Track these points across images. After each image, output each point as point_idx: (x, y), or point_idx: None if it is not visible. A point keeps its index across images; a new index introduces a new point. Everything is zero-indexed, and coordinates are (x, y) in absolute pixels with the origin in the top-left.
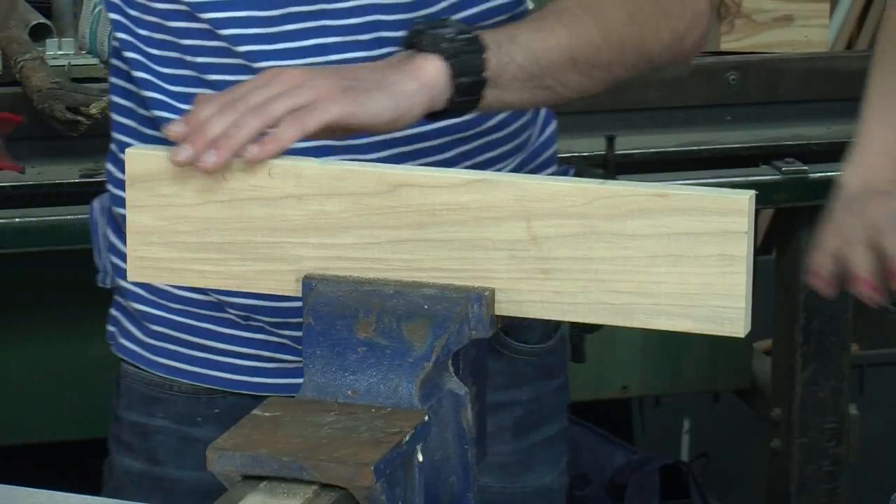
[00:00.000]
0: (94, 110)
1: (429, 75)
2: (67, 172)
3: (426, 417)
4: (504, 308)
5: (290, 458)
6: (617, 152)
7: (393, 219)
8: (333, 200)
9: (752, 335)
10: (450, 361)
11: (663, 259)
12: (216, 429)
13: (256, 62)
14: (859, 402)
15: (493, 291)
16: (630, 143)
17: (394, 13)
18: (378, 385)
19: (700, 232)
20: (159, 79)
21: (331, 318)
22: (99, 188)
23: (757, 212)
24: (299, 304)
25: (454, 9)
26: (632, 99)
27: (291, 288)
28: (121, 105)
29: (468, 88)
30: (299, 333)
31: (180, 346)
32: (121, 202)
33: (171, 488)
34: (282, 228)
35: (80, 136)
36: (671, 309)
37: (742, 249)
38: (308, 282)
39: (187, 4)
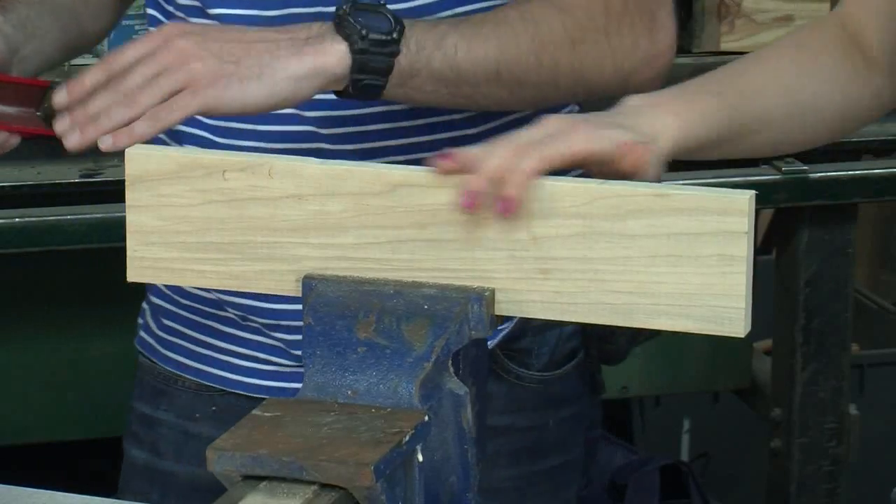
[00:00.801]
0: None
1: (328, 62)
2: (67, 172)
3: (426, 417)
4: (504, 308)
5: (290, 458)
6: None
7: (393, 219)
8: (333, 200)
9: (752, 335)
10: (450, 361)
11: (663, 259)
12: (213, 426)
13: None
14: (859, 402)
15: (493, 291)
16: None
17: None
18: (378, 385)
19: (700, 232)
20: None
21: (331, 318)
22: (99, 188)
23: (757, 212)
24: (292, 306)
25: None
26: None
27: (291, 288)
28: None
29: (364, 87)
30: (292, 337)
31: (187, 341)
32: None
33: (169, 481)
34: (282, 228)
35: None
36: (671, 309)
37: (742, 249)
38: (308, 282)
39: (199, 0)
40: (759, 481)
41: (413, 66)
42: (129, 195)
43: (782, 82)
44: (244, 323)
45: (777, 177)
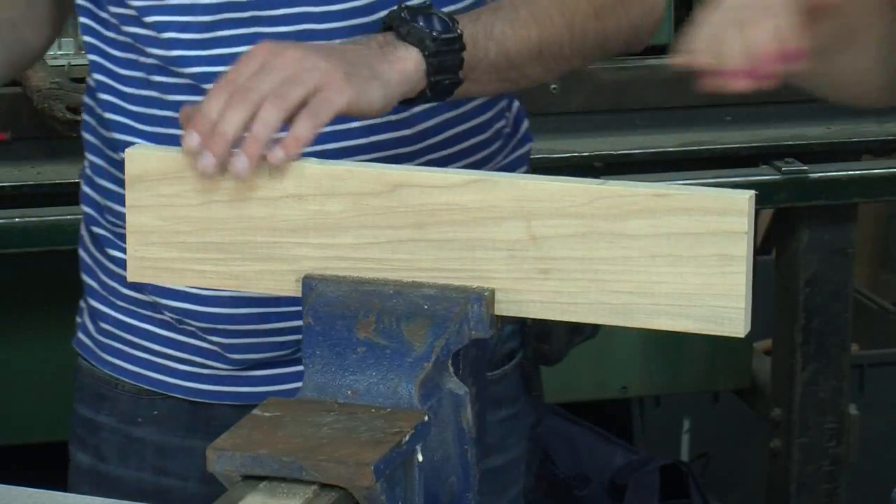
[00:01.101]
0: None
1: (408, 68)
2: (67, 172)
3: (426, 417)
4: (504, 308)
5: (290, 458)
6: (617, 152)
7: (393, 219)
8: (333, 200)
9: (752, 335)
10: (450, 361)
11: (663, 259)
12: (155, 430)
13: (188, 67)
14: (859, 402)
15: (492, 291)
16: (630, 143)
17: (326, 21)
18: (378, 385)
19: (700, 232)
20: (116, 80)
21: (331, 318)
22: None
23: (757, 212)
24: (228, 310)
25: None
26: (632, 99)
27: (291, 288)
28: (87, 122)
29: (443, 88)
30: (228, 341)
31: (125, 344)
32: (87, 201)
33: (114, 486)
34: (282, 228)
35: (80, 136)
36: (671, 309)
37: (742, 249)
38: (308, 282)
39: (135, 9)
40: (759, 481)
41: (475, 57)
42: (129, 195)
43: None
44: (181, 326)
45: (777, 177)
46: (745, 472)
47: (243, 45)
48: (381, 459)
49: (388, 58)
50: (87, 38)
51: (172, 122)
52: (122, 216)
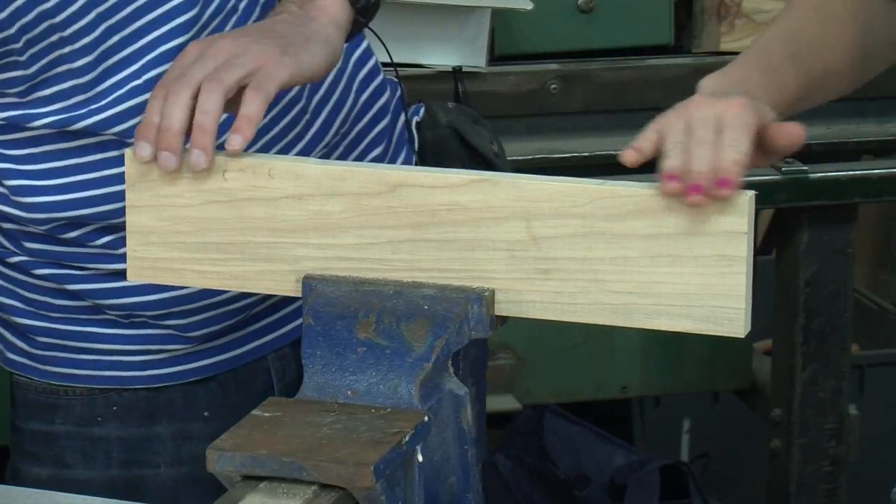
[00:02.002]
0: None
1: (335, 12)
2: None
3: (426, 418)
4: (504, 308)
5: (290, 458)
6: (617, 152)
7: (393, 219)
8: (333, 200)
9: (752, 335)
10: (450, 362)
11: (663, 259)
12: (117, 426)
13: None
14: (859, 402)
15: (492, 292)
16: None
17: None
18: (378, 385)
19: (700, 232)
20: None
21: (331, 318)
22: None
23: (757, 212)
24: (181, 292)
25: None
26: (631, 99)
27: (291, 288)
28: None
29: (369, 6)
30: (185, 321)
31: (69, 352)
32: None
33: (82, 490)
34: (282, 228)
35: None
36: (671, 309)
37: (742, 250)
38: (308, 282)
39: None
40: (759, 481)
41: None
42: (129, 195)
43: (836, 33)
44: (128, 321)
45: (777, 177)
46: (745, 472)
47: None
48: (381, 460)
49: (311, 14)
50: None
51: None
52: (30, 237)
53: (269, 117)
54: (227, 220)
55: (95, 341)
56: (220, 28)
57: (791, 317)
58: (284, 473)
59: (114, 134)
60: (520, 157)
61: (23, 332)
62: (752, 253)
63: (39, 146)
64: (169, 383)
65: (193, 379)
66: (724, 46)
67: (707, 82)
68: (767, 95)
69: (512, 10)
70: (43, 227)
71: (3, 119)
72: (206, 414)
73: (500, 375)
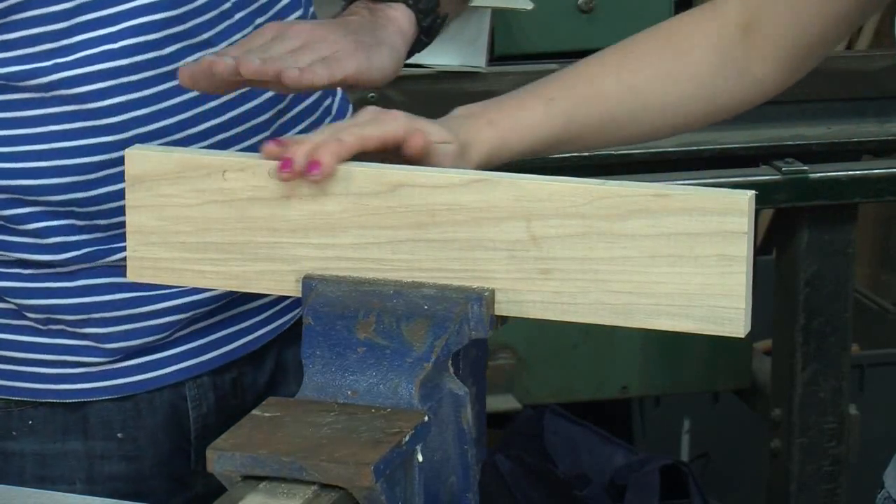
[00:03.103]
0: None
1: (402, 23)
2: None
3: (426, 417)
4: (504, 308)
5: (290, 458)
6: (617, 152)
7: (393, 219)
8: (333, 200)
9: (752, 335)
10: (450, 362)
11: (663, 259)
12: (34, 441)
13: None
14: (859, 402)
15: (492, 292)
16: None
17: (177, 8)
18: (378, 385)
19: (700, 232)
20: None
21: (331, 318)
22: None
23: (757, 212)
24: (105, 297)
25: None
26: None
27: (291, 288)
28: None
29: (434, 28)
30: (104, 330)
31: None
32: None
33: None
34: (282, 228)
35: None
36: (671, 309)
37: (742, 250)
38: (308, 282)
39: None
40: (759, 481)
41: None
42: (129, 195)
43: (630, 83)
44: (45, 327)
45: (777, 177)
46: (745, 472)
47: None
48: (381, 460)
49: (382, 21)
50: None
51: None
52: None
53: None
54: (227, 220)
55: (10, 349)
56: (201, 13)
57: (791, 317)
58: (284, 473)
59: (73, 95)
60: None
61: None
62: (752, 253)
63: None
64: (84, 399)
65: (108, 397)
66: None
67: (456, 110)
68: (495, 130)
69: (512, 10)
70: None
71: None
72: (119, 435)
73: (500, 375)
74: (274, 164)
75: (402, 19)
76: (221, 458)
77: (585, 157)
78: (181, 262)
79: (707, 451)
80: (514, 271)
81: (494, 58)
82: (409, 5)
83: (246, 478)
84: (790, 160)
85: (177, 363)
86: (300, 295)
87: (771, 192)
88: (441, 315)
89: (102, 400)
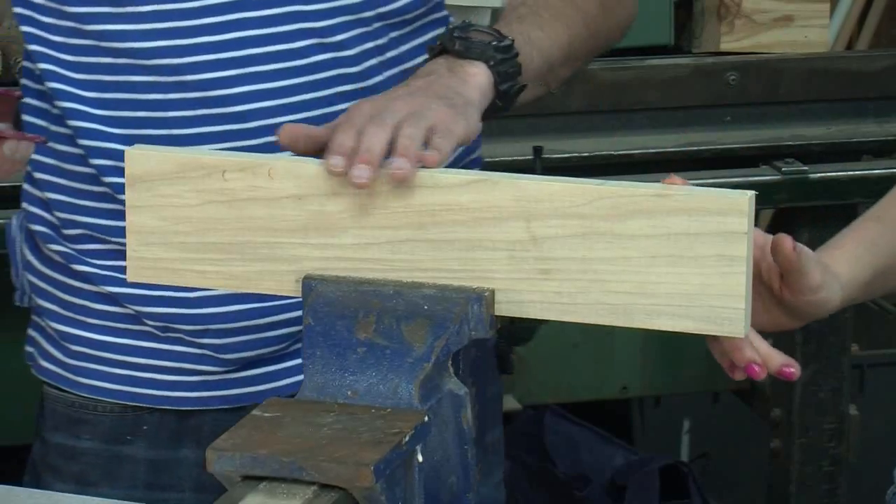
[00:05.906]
0: None
1: (482, 82)
2: None
3: (426, 418)
4: (504, 308)
5: (290, 458)
6: (617, 152)
7: (393, 219)
8: (333, 200)
9: None
10: (449, 362)
11: (663, 259)
12: (146, 446)
13: (176, 58)
14: (859, 402)
15: (492, 292)
16: (630, 143)
17: (313, 3)
18: (378, 385)
19: (700, 232)
20: (74, 86)
21: (331, 318)
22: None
23: (757, 212)
24: (223, 308)
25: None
26: (631, 99)
27: (291, 288)
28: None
29: (510, 95)
30: (220, 341)
31: (101, 364)
32: (36, 219)
33: None
34: (282, 228)
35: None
36: (671, 309)
37: (742, 250)
38: (308, 282)
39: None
40: (759, 481)
41: (525, 65)
42: (129, 195)
43: None
44: (164, 334)
45: (777, 177)
46: (745, 472)
47: (230, 32)
48: (381, 460)
49: (464, 79)
50: (32, 47)
51: (144, 120)
52: (88, 226)
53: None
54: (227, 220)
55: (129, 354)
56: (335, 15)
57: None
58: (284, 473)
59: (196, 81)
60: (520, 157)
61: (58, 340)
62: (752, 253)
63: (88, 55)
64: (199, 407)
65: (223, 406)
66: (724, 47)
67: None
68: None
69: None
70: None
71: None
72: None
73: None
74: (274, 164)
75: (481, 77)
76: (221, 459)
77: (585, 157)
78: (181, 262)
79: (707, 451)
80: (514, 271)
81: None
82: (489, 66)
83: (246, 478)
84: (790, 160)
85: (291, 375)
86: (300, 295)
87: (771, 192)
88: (441, 315)
89: (217, 409)
